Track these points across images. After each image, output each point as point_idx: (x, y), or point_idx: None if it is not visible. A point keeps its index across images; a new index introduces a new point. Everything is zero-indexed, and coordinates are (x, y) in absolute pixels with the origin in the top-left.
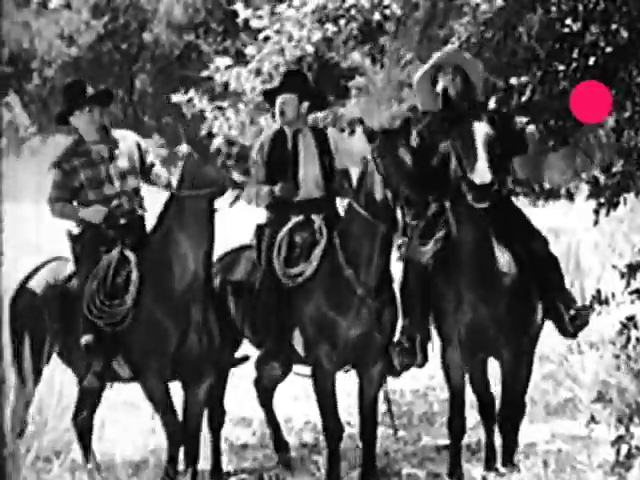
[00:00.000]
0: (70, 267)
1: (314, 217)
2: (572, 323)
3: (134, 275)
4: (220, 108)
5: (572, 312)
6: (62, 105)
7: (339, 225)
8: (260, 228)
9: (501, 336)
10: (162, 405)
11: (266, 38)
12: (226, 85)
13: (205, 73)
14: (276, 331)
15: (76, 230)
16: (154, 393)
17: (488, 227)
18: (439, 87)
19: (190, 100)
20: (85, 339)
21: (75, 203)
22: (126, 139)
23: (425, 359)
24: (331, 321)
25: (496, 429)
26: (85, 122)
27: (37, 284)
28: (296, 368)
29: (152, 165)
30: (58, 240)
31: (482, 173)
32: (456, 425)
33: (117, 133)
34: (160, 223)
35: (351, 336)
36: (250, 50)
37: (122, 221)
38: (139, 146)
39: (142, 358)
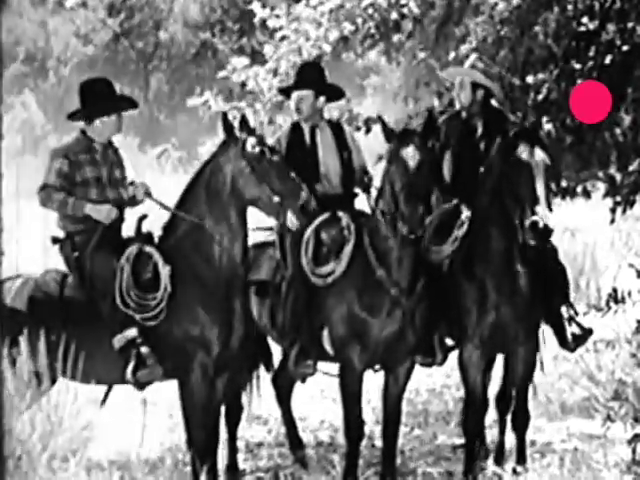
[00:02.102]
0: (52, 279)
1: (340, 214)
2: (575, 339)
3: (164, 270)
4: (238, 108)
5: (576, 330)
6: (90, 103)
7: (367, 224)
8: (282, 225)
9: (520, 335)
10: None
11: (283, 37)
12: (243, 85)
13: (222, 74)
14: (308, 330)
15: (62, 234)
16: (196, 392)
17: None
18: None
19: (206, 102)
20: (129, 333)
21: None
22: (120, 151)
23: (445, 357)
24: (363, 322)
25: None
26: (109, 126)
27: (20, 303)
28: (321, 366)
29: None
30: None
31: (544, 215)
32: (471, 424)
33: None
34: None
35: (383, 336)
36: (267, 49)
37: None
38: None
39: (188, 356)
